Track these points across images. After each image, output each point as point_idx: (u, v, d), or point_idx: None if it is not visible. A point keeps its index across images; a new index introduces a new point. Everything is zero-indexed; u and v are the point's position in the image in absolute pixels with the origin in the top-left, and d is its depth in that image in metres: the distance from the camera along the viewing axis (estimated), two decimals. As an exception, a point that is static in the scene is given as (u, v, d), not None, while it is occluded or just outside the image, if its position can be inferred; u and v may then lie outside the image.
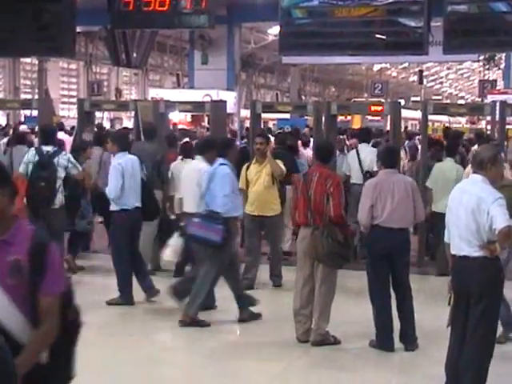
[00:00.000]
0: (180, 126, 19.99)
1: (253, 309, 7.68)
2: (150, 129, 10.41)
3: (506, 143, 11.58)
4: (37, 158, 9.08)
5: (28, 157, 9.18)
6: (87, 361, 3.91)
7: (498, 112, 10.88)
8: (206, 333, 7.34)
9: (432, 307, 7.76)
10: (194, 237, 7.49)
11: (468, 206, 5.11)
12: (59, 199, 9.01)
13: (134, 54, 27.11)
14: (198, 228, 7.36)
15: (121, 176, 8.05)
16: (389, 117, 12.56)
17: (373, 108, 12.14)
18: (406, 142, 16.10)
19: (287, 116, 23.90)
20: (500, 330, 6.26)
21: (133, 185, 8.19)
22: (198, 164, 8.14)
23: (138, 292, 8.26)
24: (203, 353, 6.80)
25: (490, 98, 24.92)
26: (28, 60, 31.23)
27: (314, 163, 7.91)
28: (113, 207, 8.24)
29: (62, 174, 9.04)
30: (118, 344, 6.96)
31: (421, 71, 37.44)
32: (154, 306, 8.22)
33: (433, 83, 59.59)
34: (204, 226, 7.30)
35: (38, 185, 8.92)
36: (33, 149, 9.50)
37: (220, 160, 7.55)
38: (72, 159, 9.27)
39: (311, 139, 13.17)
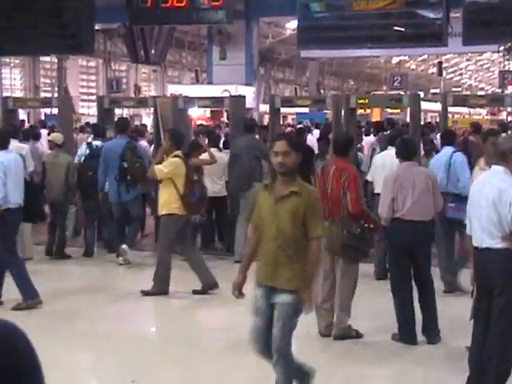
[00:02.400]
0: (198, 122, 20.02)
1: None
2: (250, 122, 10.79)
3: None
4: (87, 151, 10.71)
5: (81, 150, 10.98)
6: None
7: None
8: (225, 326, 7.36)
9: (454, 300, 7.73)
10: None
11: (489, 198, 5.08)
12: (106, 186, 10.24)
13: (153, 51, 27.16)
14: (458, 211, 7.76)
15: (3, 174, 7.66)
16: (408, 109, 12.52)
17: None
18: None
19: (306, 110, 23.90)
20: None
21: (16, 183, 7.78)
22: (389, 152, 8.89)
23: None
24: (224, 346, 6.81)
25: (510, 89, 24.75)
26: (47, 59, 31.39)
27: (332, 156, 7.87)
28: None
29: None
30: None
31: (440, 63, 37.22)
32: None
33: (452, 75, 59.19)
34: (460, 208, 7.41)
35: (87, 173, 10.41)
36: (84, 143, 11.12)
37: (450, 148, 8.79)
38: None
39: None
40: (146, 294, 8.33)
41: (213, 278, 8.47)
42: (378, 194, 7.92)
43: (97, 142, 10.82)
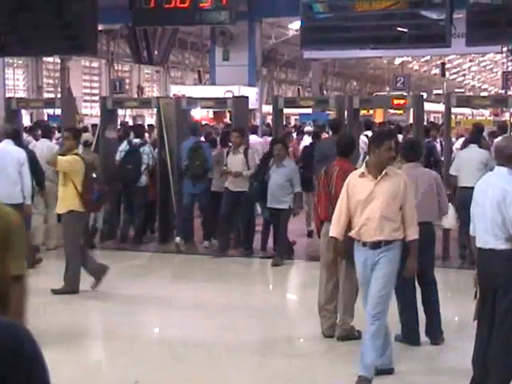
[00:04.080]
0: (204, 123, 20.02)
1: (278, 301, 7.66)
2: (337, 123, 11.01)
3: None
4: (128, 147, 11.75)
5: (122, 146, 11.85)
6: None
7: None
8: (228, 327, 7.36)
9: (457, 301, 7.72)
10: None
11: (493, 199, 5.07)
12: (143, 180, 11.63)
13: (156, 52, 27.14)
14: None
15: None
16: (411, 110, 12.51)
17: (395, 101, 12.07)
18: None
19: (309, 111, 23.87)
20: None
21: None
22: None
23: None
24: (226, 347, 6.81)
25: (513, 90, 24.71)
26: (50, 59, 31.38)
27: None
28: None
29: (145, 160, 11.65)
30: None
31: (443, 64, 37.16)
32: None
33: (455, 76, 59.15)
34: None
35: (126, 168, 11.57)
36: (125, 141, 12.01)
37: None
38: (152, 150, 11.89)
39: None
40: (55, 292, 8.46)
41: (100, 264, 8.73)
42: (462, 188, 9.48)
43: (136, 140, 11.96)
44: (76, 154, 8.64)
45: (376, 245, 5.68)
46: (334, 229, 5.93)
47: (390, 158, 5.74)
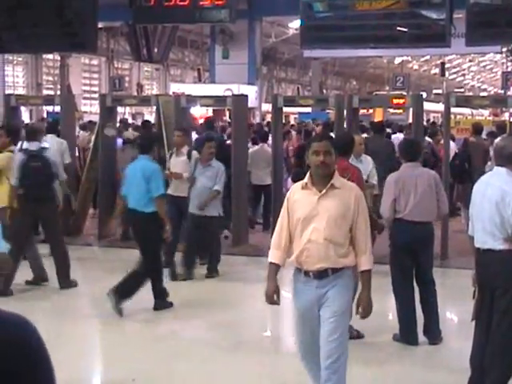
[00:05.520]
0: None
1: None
2: (380, 124, 11.36)
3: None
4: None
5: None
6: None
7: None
8: (229, 328, 7.36)
9: (456, 301, 7.72)
10: None
11: (492, 199, 5.07)
12: None
13: (155, 49, 27.17)
14: None
15: None
16: (411, 110, 12.52)
17: (395, 101, 12.07)
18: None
19: (309, 110, 23.87)
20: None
21: None
22: None
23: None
24: (227, 347, 6.81)
25: (513, 90, 24.71)
26: (50, 56, 31.36)
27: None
28: None
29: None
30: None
31: (443, 63, 37.21)
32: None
33: (455, 76, 59.17)
34: None
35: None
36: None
37: None
38: None
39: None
40: (29, 283, 8.73)
41: (44, 272, 8.81)
42: None
43: None
44: (11, 151, 8.84)
45: (321, 274, 4.58)
46: (273, 253, 4.73)
47: (320, 165, 4.54)
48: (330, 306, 4.53)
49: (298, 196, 4.63)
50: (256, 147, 12.80)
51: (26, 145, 9.03)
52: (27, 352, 1.39)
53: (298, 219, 4.56)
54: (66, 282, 8.68)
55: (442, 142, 13.77)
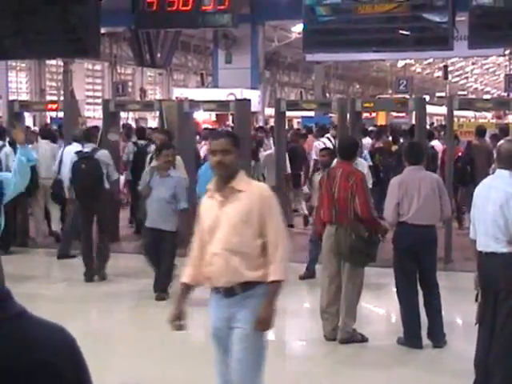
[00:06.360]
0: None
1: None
2: (411, 127, 11.31)
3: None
4: (135, 148, 12.66)
5: (128, 149, 12.84)
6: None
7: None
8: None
9: (460, 304, 7.71)
10: None
11: (496, 202, 5.07)
12: None
13: (158, 54, 27.17)
14: None
15: None
16: (414, 113, 12.51)
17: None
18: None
19: (312, 114, 23.88)
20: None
21: None
22: None
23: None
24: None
25: (516, 93, 24.65)
26: (53, 62, 31.43)
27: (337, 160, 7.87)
28: None
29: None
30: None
31: (446, 66, 37.15)
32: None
33: (458, 78, 59.11)
34: None
35: (138, 167, 11.72)
36: (131, 143, 13.08)
37: None
38: None
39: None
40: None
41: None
42: None
43: (141, 141, 12.87)
44: None
45: (229, 291, 4.03)
46: (184, 271, 4.28)
47: (216, 166, 4.03)
48: (241, 328, 3.97)
49: (204, 204, 4.17)
50: (269, 151, 12.91)
51: (79, 147, 9.80)
52: (75, 355, 1.47)
53: (204, 230, 4.09)
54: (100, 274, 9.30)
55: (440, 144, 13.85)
